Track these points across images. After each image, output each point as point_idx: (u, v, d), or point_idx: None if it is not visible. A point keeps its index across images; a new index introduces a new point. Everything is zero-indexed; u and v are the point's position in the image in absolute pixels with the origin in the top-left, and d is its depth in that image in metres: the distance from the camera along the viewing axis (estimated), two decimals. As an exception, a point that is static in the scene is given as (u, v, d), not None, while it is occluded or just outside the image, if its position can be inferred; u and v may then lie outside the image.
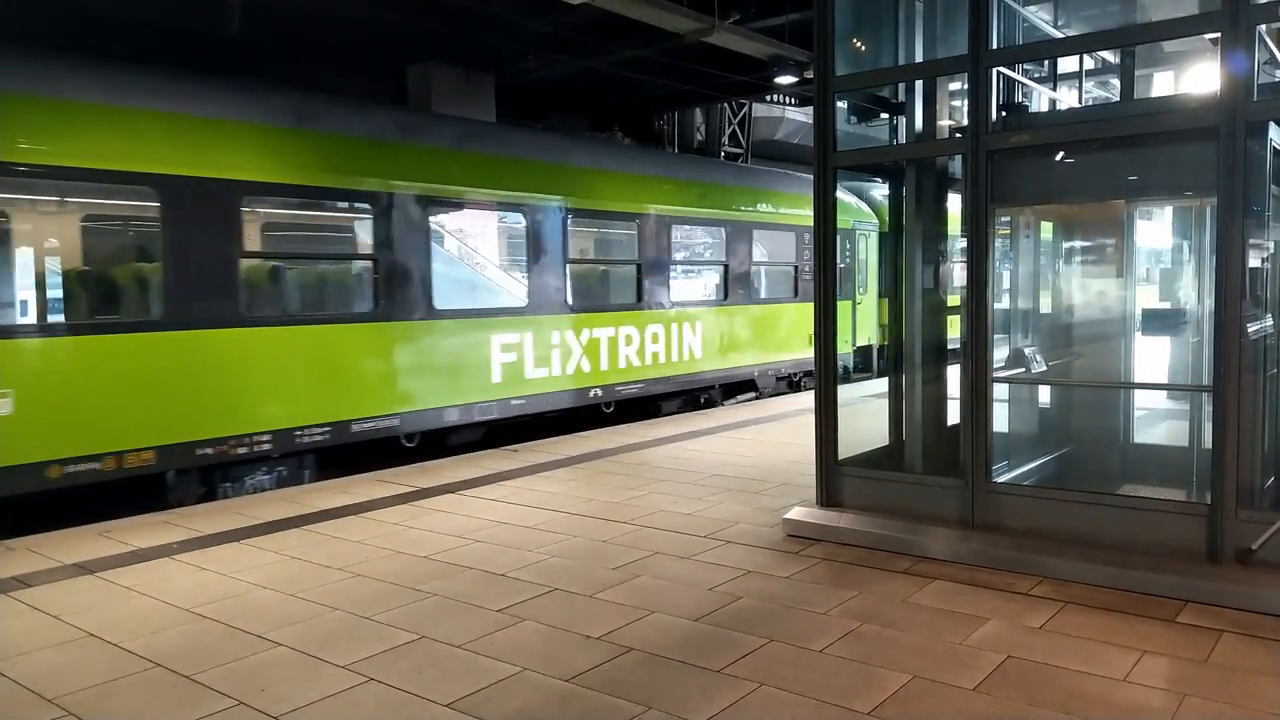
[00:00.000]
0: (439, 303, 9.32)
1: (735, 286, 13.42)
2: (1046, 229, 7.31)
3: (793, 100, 20.22)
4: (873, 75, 6.76)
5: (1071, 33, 7.36)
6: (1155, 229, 7.77)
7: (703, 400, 13.16)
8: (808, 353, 14.38)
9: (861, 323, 16.26)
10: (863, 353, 16.42)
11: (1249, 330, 4.86)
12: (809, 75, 13.27)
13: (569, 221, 10.85)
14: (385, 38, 12.36)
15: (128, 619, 4.68)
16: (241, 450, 7.76)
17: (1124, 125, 5.56)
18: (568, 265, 10.79)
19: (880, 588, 4.96)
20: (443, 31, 11.93)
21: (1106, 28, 8.18)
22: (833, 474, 6.03)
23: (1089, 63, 7.71)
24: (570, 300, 10.83)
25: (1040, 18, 7.00)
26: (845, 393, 5.91)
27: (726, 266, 13.25)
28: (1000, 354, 6.22)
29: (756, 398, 13.80)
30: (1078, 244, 7.33)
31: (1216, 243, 4.77)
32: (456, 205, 9.92)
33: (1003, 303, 6.76)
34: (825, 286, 6.04)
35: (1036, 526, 5.28)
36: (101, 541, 6.10)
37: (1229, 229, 4.68)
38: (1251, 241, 4.83)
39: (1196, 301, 6.43)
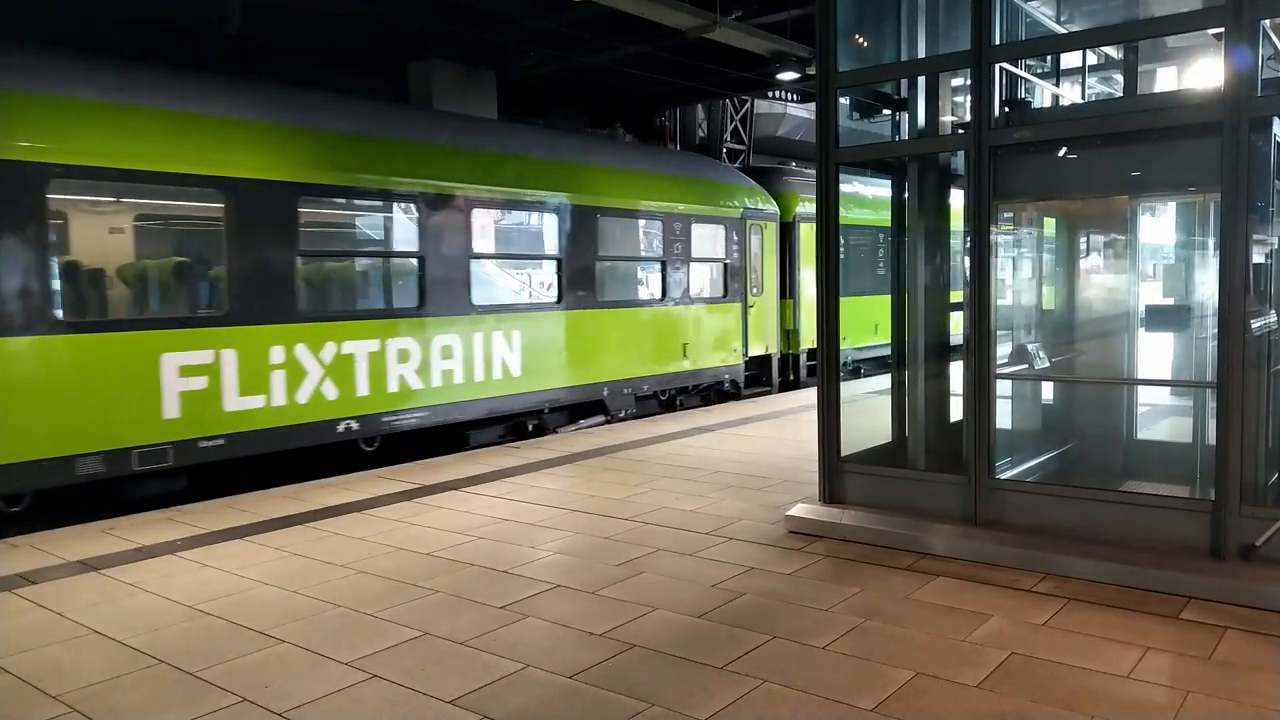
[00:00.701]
0: (66, 312, 6.96)
1: (575, 286, 10.85)
2: (1049, 225, 7.30)
3: (795, 96, 20.22)
4: (875, 71, 6.75)
5: (1075, 28, 7.35)
6: (1158, 225, 7.76)
7: (531, 428, 10.59)
8: (681, 365, 12.48)
9: (756, 329, 13.95)
10: (760, 364, 14.34)
11: (1252, 326, 4.85)
12: (811, 71, 13.24)
13: (299, 203, 8.19)
14: (387, 35, 12.36)
15: (131, 616, 4.69)
16: None
17: (1127, 121, 5.54)
18: (299, 259, 8.20)
19: (883, 584, 4.95)
20: (444, 28, 11.93)
21: (1110, 23, 8.17)
22: (835, 471, 6.02)
23: (1092, 58, 7.69)
24: (304, 305, 8.24)
25: (1043, 13, 6.98)
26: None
27: (561, 261, 10.70)
28: (1003, 350, 6.21)
29: (607, 422, 11.29)
30: (1080, 240, 7.32)
31: (1220, 238, 4.76)
32: (97, 178, 7.14)
33: (1006, 299, 6.75)
34: (828, 284, 6.02)
35: (1039, 523, 5.27)
36: (105, 538, 6.11)
37: (1232, 224, 4.67)
38: (1255, 237, 4.82)
39: (1200, 297, 6.42)
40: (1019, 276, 7.15)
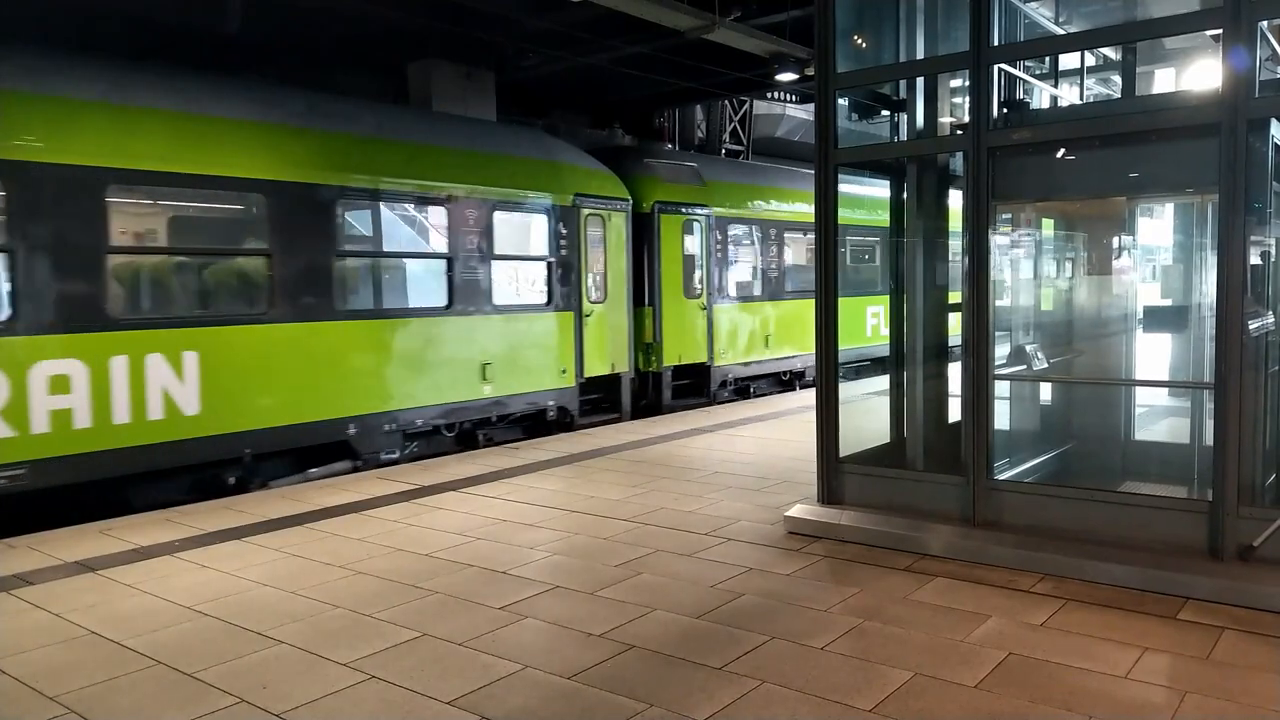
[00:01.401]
0: None
1: (297, 291, 8.11)
2: (1048, 226, 7.31)
3: (793, 97, 20.23)
4: (874, 72, 6.75)
5: (1073, 29, 7.35)
6: (1156, 226, 7.77)
7: (232, 481, 7.86)
8: (479, 392, 9.73)
9: (597, 343, 11.29)
10: (606, 386, 11.72)
11: (1250, 327, 4.86)
12: (810, 72, 13.24)
13: None
14: (386, 35, 12.38)
15: (129, 616, 4.68)
16: None
17: (1125, 122, 5.55)
18: None
19: (881, 585, 4.96)
20: (444, 28, 11.94)
21: (1108, 24, 8.17)
22: (834, 471, 6.03)
23: (1090, 59, 7.70)
24: None
25: (1041, 14, 6.99)
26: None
27: (272, 259, 7.99)
28: (1001, 351, 6.22)
29: (357, 469, 8.64)
30: (1079, 241, 7.33)
31: (1218, 239, 4.77)
32: None
33: (1004, 300, 6.76)
34: (826, 284, 6.02)
35: (1038, 523, 5.28)
36: (103, 539, 6.11)
37: (1230, 225, 4.67)
38: (1253, 238, 4.82)
39: (1198, 298, 6.43)
40: (1018, 277, 7.16)
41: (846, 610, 4.59)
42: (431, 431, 9.46)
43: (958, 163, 6.20)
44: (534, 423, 10.64)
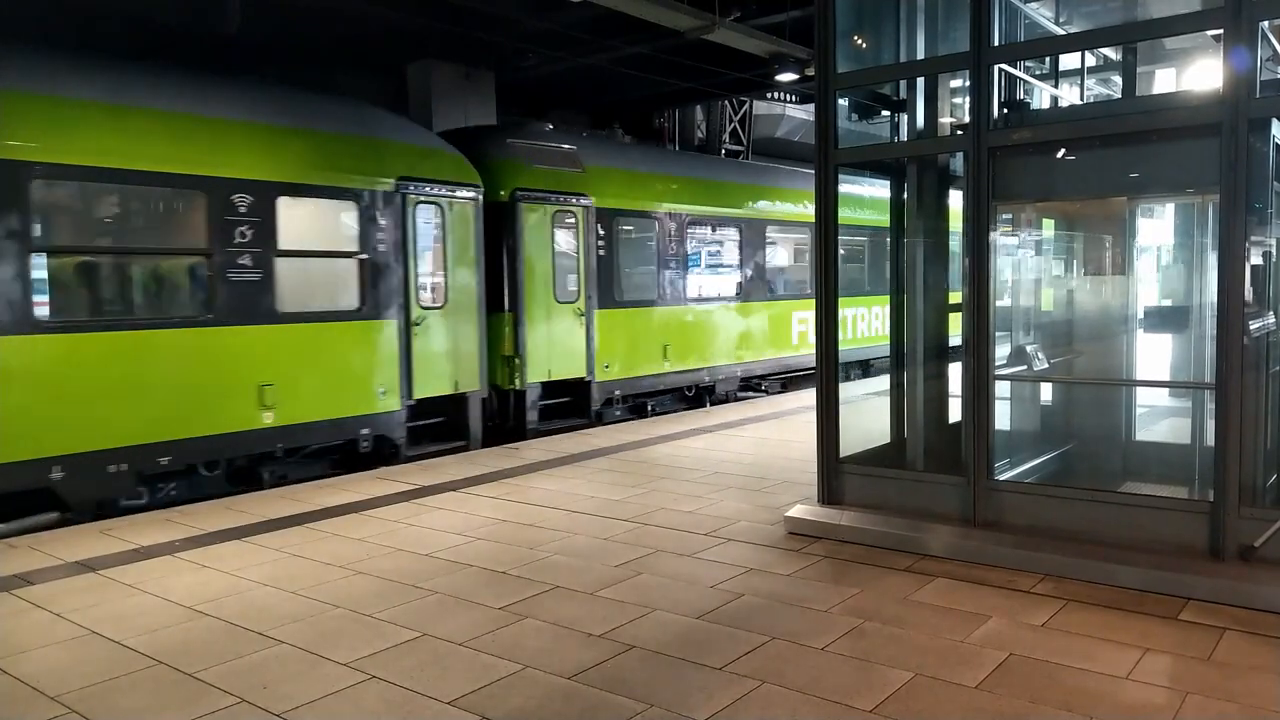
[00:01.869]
0: None
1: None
2: (1048, 226, 7.31)
3: (793, 98, 20.24)
4: (874, 72, 6.75)
5: (1073, 29, 7.35)
6: (1157, 226, 7.77)
7: None
8: (258, 420, 7.85)
9: (434, 357, 9.37)
10: (450, 407, 9.75)
11: (1251, 327, 4.86)
12: (810, 72, 13.25)
13: None
14: (386, 35, 12.39)
15: (130, 616, 4.68)
16: None
17: (1126, 122, 5.54)
18: None
19: (882, 585, 4.95)
20: (444, 28, 11.95)
21: (1108, 24, 8.17)
22: (834, 472, 6.02)
23: (1091, 59, 7.70)
24: None
25: (1042, 14, 6.99)
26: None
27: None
28: (1002, 351, 6.21)
29: (66, 521, 6.80)
30: (1079, 241, 7.33)
31: (1218, 239, 4.76)
32: None
33: (1004, 300, 6.76)
34: (826, 285, 6.02)
35: (1038, 524, 5.27)
36: (104, 539, 6.11)
37: (1231, 226, 4.67)
38: (1253, 238, 4.82)
39: (1198, 299, 6.43)
40: (1018, 278, 7.16)
41: (846, 611, 4.59)
42: (181, 472, 7.58)
43: (958, 163, 6.20)
44: (348, 454, 8.81)
